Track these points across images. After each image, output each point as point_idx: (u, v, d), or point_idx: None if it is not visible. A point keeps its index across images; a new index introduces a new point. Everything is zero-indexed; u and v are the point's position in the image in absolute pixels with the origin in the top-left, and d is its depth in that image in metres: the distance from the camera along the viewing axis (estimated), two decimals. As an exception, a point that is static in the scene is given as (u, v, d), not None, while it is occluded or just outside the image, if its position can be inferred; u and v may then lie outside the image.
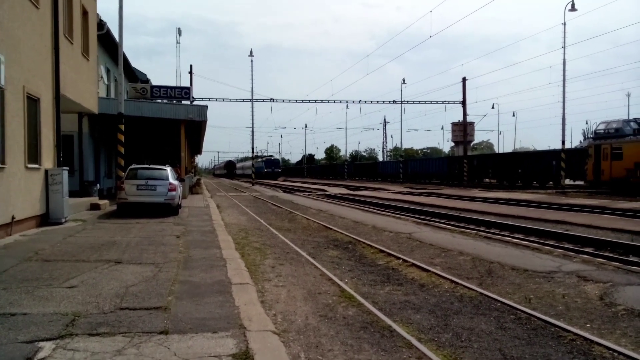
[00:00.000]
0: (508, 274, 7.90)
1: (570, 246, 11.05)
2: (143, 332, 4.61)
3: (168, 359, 3.99)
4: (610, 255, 10.00)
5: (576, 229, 13.44)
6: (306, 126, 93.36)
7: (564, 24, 33.13)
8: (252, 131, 51.35)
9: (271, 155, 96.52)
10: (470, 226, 15.02)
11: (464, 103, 48.94)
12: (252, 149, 53.97)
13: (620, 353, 4.53)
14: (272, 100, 50.20)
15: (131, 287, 6.27)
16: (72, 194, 18.36)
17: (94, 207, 17.50)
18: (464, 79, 48.66)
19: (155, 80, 41.06)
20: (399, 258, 9.28)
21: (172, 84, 45.63)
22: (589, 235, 12.20)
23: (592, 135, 36.12)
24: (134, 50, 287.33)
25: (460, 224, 15.51)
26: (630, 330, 5.23)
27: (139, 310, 5.28)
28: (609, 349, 4.64)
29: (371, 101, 54.61)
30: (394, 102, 53.22)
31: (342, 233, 12.93)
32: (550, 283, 7.24)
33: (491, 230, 13.88)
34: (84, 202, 17.45)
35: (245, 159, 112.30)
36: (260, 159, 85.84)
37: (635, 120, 33.67)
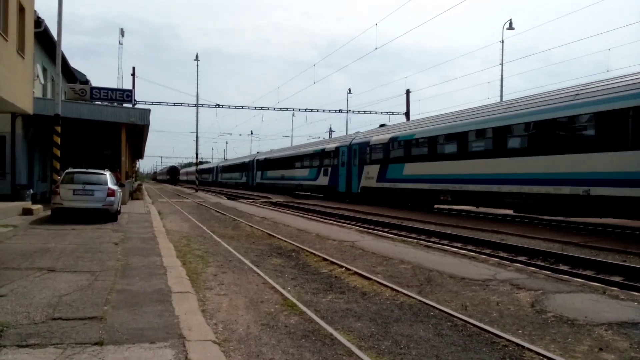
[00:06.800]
0: (446, 282, 8.13)
1: (505, 255, 11.50)
2: (76, 343, 4.44)
3: (103, 371, 3.87)
4: (542, 264, 10.48)
5: (510, 239, 13.99)
6: (252, 133, 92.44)
7: (502, 42, 34.67)
8: (197, 137, 50.63)
9: None
10: (412, 235, 15.35)
11: (407, 114, 49.94)
12: (197, 154, 53.13)
13: (549, 358, 4.75)
14: (218, 106, 49.65)
15: (65, 297, 6.02)
16: (3, 198, 17.44)
17: (27, 212, 16.69)
18: (408, 91, 49.73)
19: (93, 82, 39.67)
20: (341, 266, 9.36)
21: (112, 86, 44.30)
22: (522, 244, 12.73)
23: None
24: (69, 49, 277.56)
25: (402, 233, 15.82)
26: (558, 336, 5.49)
27: (72, 321, 5.07)
28: (539, 354, 4.86)
29: (317, 110, 55.09)
30: (339, 111, 53.82)
31: (285, 241, 12.91)
32: (485, 291, 7.50)
33: (431, 239, 14.24)
34: (16, 206, 16.62)
35: (190, 164, 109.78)
36: None
37: None
